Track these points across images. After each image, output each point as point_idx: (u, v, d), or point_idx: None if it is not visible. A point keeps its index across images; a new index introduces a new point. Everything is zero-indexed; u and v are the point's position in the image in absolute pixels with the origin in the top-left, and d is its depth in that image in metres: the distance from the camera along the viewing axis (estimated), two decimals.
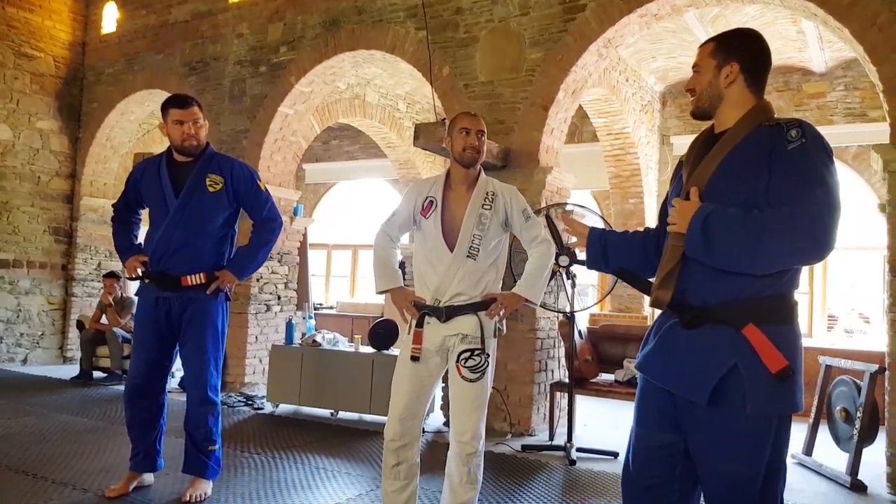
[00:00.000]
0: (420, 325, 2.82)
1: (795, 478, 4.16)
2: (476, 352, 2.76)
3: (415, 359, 2.80)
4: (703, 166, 1.81)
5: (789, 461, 4.43)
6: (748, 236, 1.64)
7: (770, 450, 1.72)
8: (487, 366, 2.78)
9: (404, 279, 3.20)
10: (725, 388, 1.69)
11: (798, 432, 4.81)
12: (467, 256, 2.79)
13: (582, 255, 2.19)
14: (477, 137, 2.87)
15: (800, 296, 7.13)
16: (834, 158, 1.74)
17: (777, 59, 6.99)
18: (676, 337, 1.81)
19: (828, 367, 4.58)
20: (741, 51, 1.83)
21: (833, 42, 6.24)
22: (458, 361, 2.76)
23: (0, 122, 7.91)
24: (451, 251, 2.79)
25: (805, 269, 7.04)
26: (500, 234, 2.89)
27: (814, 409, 4.54)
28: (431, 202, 2.89)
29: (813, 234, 1.61)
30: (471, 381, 2.75)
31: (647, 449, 1.88)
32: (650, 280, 1.99)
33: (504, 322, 2.95)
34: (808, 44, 6.48)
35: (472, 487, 2.79)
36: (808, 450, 4.51)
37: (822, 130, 5.83)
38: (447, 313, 2.78)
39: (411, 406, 2.81)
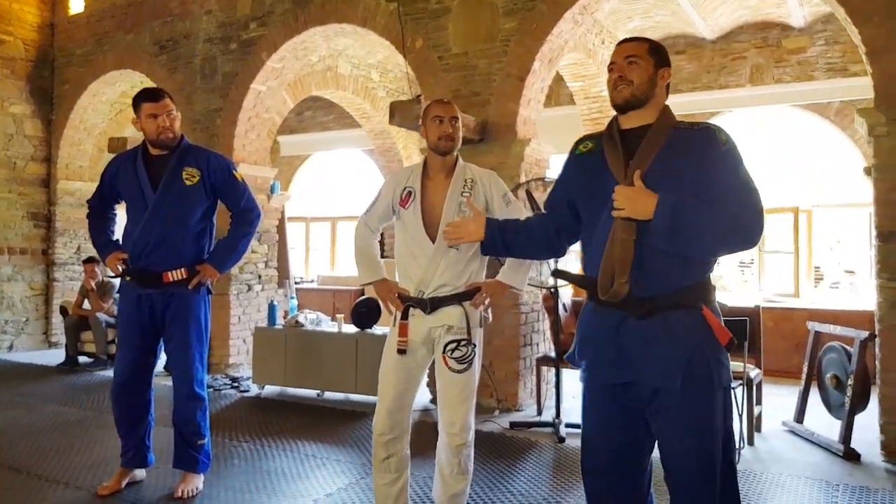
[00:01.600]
0: (405, 317, 2.80)
1: (787, 447, 4.20)
2: (462, 342, 2.75)
3: (401, 352, 2.79)
4: (637, 160, 1.88)
5: (781, 428, 4.52)
6: (710, 224, 1.79)
7: (723, 419, 1.87)
8: (474, 356, 2.77)
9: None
10: (692, 367, 1.81)
11: (789, 398, 4.90)
12: (449, 246, 2.77)
13: None
14: (451, 124, 2.82)
15: (785, 255, 7.26)
16: None
17: (755, 14, 6.94)
18: (629, 330, 1.87)
19: (817, 334, 4.55)
20: (668, 61, 2.00)
21: None
22: (444, 352, 2.75)
23: None
24: (433, 242, 2.77)
25: (790, 227, 7.17)
26: None
27: (804, 376, 4.54)
28: (410, 192, 2.86)
29: (759, 225, 1.81)
30: (458, 371, 2.74)
31: (613, 451, 1.94)
32: (581, 274, 2.06)
33: (490, 311, 2.95)
34: None
35: (464, 478, 2.81)
36: (800, 417, 4.51)
37: (804, 87, 5.76)
38: (432, 304, 2.76)
39: (399, 398, 2.82)
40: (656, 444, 1.94)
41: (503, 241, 2.21)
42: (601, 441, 1.96)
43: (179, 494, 3.31)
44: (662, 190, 1.82)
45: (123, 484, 3.42)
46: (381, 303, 2.92)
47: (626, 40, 2.02)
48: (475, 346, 2.79)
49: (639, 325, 1.85)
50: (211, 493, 3.38)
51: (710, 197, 1.81)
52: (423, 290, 2.78)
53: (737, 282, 9.71)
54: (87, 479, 3.55)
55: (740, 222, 1.79)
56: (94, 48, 7.96)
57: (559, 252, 2.24)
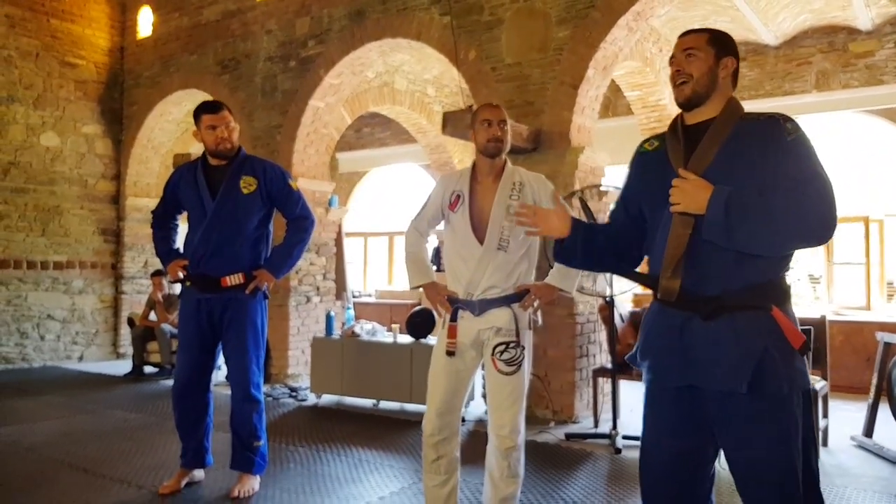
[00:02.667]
0: (454, 319, 2.81)
1: (856, 462, 4.03)
2: (511, 344, 2.74)
3: (450, 353, 2.79)
4: (699, 154, 1.82)
5: (849, 443, 4.33)
6: (772, 217, 1.67)
7: (802, 426, 1.74)
8: (523, 358, 2.76)
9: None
10: (761, 372, 1.70)
11: (860, 415, 4.68)
12: (497, 249, 2.77)
13: None
14: (499, 128, 2.83)
15: (856, 267, 6.96)
16: None
17: (820, 18, 6.73)
18: (694, 331, 1.78)
19: (886, 345, 4.35)
20: (733, 49, 1.91)
21: None
22: (493, 354, 2.75)
23: (48, 130, 8.22)
24: (481, 244, 2.77)
25: (861, 238, 6.88)
26: None
27: (873, 389, 4.33)
28: (458, 196, 2.88)
29: (822, 213, 1.69)
30: (507, 374, 2.73)
31: (674, 457, 1.85)
32: (645, 273, 1.99)
33: (539, 313, 2.92)
34: (851, 1, 6.19)
35: (514, 481, 2.78)
36: (869, 431, 4.31)
37: (873, 91, 5.53)
38: (480, 307, 2.77)
39: (449, 401, 2.81)
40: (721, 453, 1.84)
41: (584, 245, 2.02)
42: (662, 446, 1.87)
43: (236, 494, 3.38)
44: (726, 184, 1.73)
45: (183, 484, 3.51)
46: (431, 306, 2.93)
47: (686, 32, 1.95)
48: (524, 348, 2.77)
49: (704, 326, 1.76)
50: (266, 494, 3.44)
51: (776, 190, 1.70)
52: (472, 292, 2.79)
53: (807, 300, 9.35)
54: (149, 480, 3.65)
55: (808, 217, 1.67)
56: (161, 70, 8.34)
57: (636, 262, 2.08)
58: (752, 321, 1.73)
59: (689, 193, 1.75)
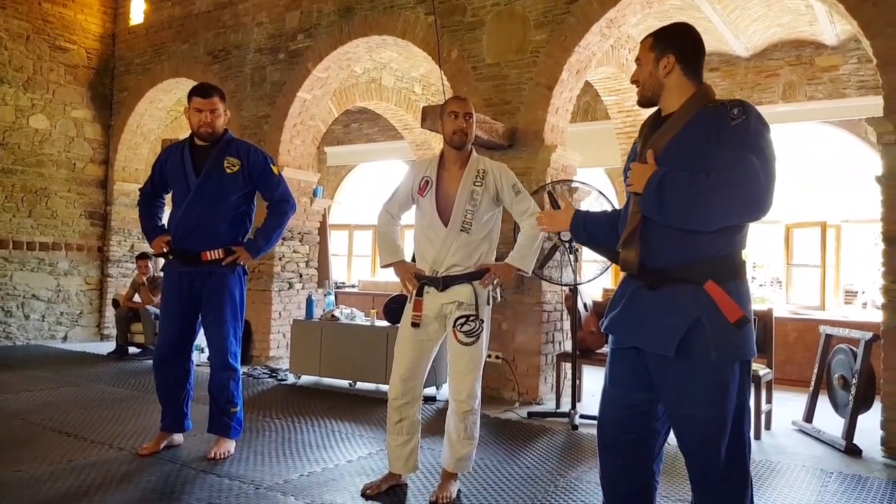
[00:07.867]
0: (420, 294, 3.06)
1: (794, 443, 4.31)
2: (471, 318, 2.99)
3: (415, 325, 3.05)
4: (654, 140, 2.00)
5: (790, 428, 4.60)
6: (694, 195, 1.84)
7: (735, 393, 1.90)
8: (482, 330, 3.01)
9: None
10: (691, 339, 1.87)
11: (799, 401, 4.98)
12: (461, 230, 3.02)
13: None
14: (465, 120, 3.09)
15: (812, 269, 7.28)
16: (771, 132, 1.93)
17: (788, 32, 7.05)
18: (642, 298, 1.99)
19: (828, 337, 4.66)
20: (676, 44, 2.04)
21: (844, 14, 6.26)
22: (454, 326, 3.00)
23: (38, 113, 8.33)
24: (446, 226, 3.02)
25: (817, 242, 7.20)
26: (492, 208, 3.10)
27: (814, 378, 4.63)
28: (427, 181, 3.13)
29: (747, 194, 1.81)
30: (466, 344, 2.98)
31: (624, 408, 2.04)
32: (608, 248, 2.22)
33: (498, 290, 3.18)
34: (817, 17, 6.50)
35: (469, 442, 3.04)
36: (809, 417, 4.61)
37: (836, 104, 5.80)
38: (444, 283, 3.02)
39: (413, 368, 3.07)
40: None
41: (586, 230, 2.27)
42: (617, 399, 2.06)
43: (212, 456, 3.59)
44: (674, 165, 1.91)
45: (162, 446, 3.71)
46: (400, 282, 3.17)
47: (641, 41, 2.12)
48: (483, 321, 3.03)
49: (648, 294, 1.97)
50: (241, 457, 3.65)
51: (709, 172, 1.84)
52: (437, 269, 3.04)
53: (773, 300, 9.72)
54: (129, 443, 3.85)
55: (731, 197, 1.81)
56: (152, 57, 8.50)
57: None
58: (688, 293, 1.90)
59: (639, 174, 1.94)
